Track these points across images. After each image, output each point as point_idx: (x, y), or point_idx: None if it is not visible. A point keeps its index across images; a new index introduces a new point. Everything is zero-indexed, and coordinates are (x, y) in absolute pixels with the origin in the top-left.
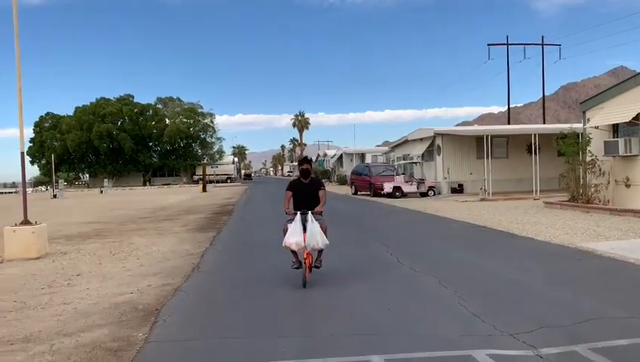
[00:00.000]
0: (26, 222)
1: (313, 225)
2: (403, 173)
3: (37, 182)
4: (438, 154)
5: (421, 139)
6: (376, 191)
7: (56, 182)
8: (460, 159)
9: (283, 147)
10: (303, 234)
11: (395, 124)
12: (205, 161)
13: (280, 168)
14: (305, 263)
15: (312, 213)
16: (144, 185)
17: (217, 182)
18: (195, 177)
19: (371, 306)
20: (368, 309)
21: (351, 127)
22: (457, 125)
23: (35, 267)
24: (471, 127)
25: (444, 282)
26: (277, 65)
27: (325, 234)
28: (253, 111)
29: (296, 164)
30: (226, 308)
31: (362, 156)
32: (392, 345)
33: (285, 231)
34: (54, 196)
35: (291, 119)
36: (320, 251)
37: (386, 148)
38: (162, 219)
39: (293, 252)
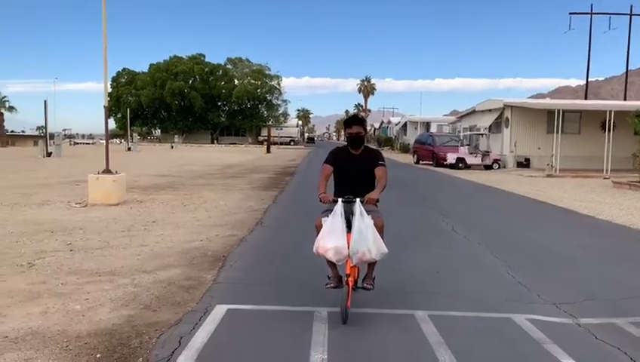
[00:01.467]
0: (107, 171)
1: (363, 221)
2: (468, 145)
3: (112, 135)
4: (506, 127)
5: (489, 110)
6: (439, 162)
7: (131, 135)
8: (528, 133)
9: (347, 112)
10: (346, 236)
11: (464, 93)
12: (270, 123)
13: (343, 133)
14: (347, 282)
15: (363, 203)
16: (212, 143)
17: (281, 144)
18: (260, 138)
19: (421, 269)
20: (418, 271)
21: (418, 94)
22: (531, 97)
23: (115, 212)
24: (543, 100)
25: (495, 252)
26: (348, 28)
27: (382, 234)
28: (321, 74)
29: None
30: (285, 258)
31: (427, 125)
32: (436, 303)
33: (319, 228)
34: (129, 149)
35: (357, 84)
36: (372, 264)
37: (452, 118)
38: (229, 176)
39: (331, 263)
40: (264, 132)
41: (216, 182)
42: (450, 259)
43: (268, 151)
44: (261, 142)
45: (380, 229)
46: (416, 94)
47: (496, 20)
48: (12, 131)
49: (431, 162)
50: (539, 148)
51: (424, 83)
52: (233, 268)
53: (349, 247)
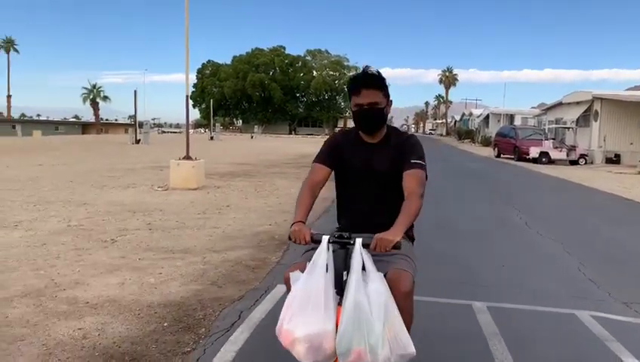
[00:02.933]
0: (187, 157)
1: (366, 287)
2: (553, 138)
3: (197, 125)
4: (595, 120)
5: (577, 103)
6: (521, 156)
7: (214, 125)
8: (619, 127)
9: (427, 103)
10: (334, 314)
11: (554, 85)
12: (347, 114)
13: (422, 125)
14: None
15: (370, 247)
16: (290, 133)
17: None
18: (337, 129)
19: (486, 261)
20: (482, 263)
21: (502, 85)
22: (628, 90)
23: (193, 196)
24: (637, 92)
25: (568, 248)
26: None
27: (408, 306)
28: (401, 65)
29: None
30: None
31: (511, 117)
32: (497, 295)
33: (288, 283)
34: (211, 138)
35: (438, 75)
36: None
37: (537, 111)
38: (302, 165)
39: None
40: (341, 123)
41: (289, 170)
42: (519, 254)
43: None
44: None
45: (405, 297)
46: (500, 85)
47: (591, 8)
48: (106, 119)
49: (512, 156)
50: (631, 144)
51: (510, 74)
52: (297, 252)
53: (336, 338)
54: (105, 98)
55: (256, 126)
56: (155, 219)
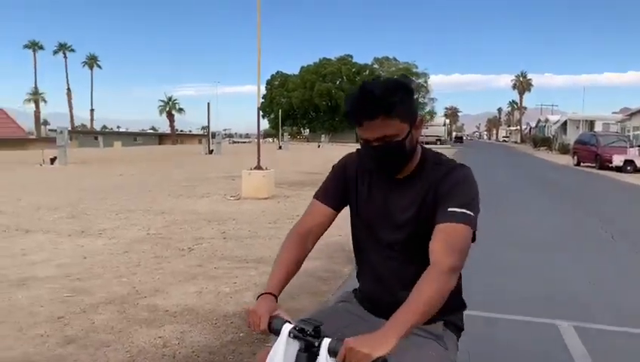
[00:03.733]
0: (258, 167)
1: None
2: (639, 146)
3: (265, 135)
4: None
5: None
6: (603, 164)
7: (282, 135)
8: None
9: (500, 110)
10: None
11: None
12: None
13: (495, 132)
14: None
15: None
16: (356, 142)
17: (427, 143)
18: None
19: (571, 278)
20: (567, 280)
21: (580, 90)
22: None
23: (264, 205)
24: None
25: None
26: (499, 21)
27: None
28: (471, 70)
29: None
30: None
31: (591, 123)
32: (584, 315)
33: None
34: (279, 147)
35: (512, 80)
36: None
37: (620, 116)
38: None
39: None
40: None
41: None
42: (607, 270)
43: None
44: None
45: None
46: (578, 90)
47: None
48: (181, 131)
49: (593, 164)
50: None
51: (589, 77)
52: None
53: None
54: (180, 110)
55: (323, 135)
56: (228, 228)
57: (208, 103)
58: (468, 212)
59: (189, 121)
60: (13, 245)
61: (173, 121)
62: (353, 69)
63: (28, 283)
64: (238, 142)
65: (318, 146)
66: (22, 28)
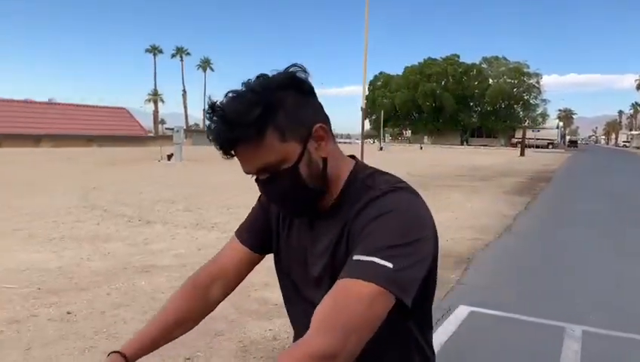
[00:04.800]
0: None
1: None
2: None
3: (366, 135)
4: None
5: None
6: None
7: (383, 136)
8: None
9: (621, 112)
10: None
11: None
12: (526, 124)
13: (614, 137)
14: None
15: None
16: (461, 144)
17: (537, 146)
18: (514, 140)
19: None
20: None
21: None
22: None
23: None
24: None
25: None
26: (621, 14)
27: None
28: (589, 70)
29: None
30: (534, 269)
31: None
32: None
33: None
34: (380, 149)
35: (636, 80)
36: None
37: None
38: (477, 178)
39: None
40: (518, 134)
41: (463, 183)
42: None
43: (522, 154)
44: (514, 145)
45: None
46: None
47: None
48: None
49: None
50: None
51: None
52: (478, 272)
53: None
54: None
55: (425, 136)
56: None
57: None
58: (381, 262)
59: None
60: (137, 235)
61: None
62: (460, 69)
63: (150, 270)
64: (339, 142)
65: (420, 148)
66: (142, 32)
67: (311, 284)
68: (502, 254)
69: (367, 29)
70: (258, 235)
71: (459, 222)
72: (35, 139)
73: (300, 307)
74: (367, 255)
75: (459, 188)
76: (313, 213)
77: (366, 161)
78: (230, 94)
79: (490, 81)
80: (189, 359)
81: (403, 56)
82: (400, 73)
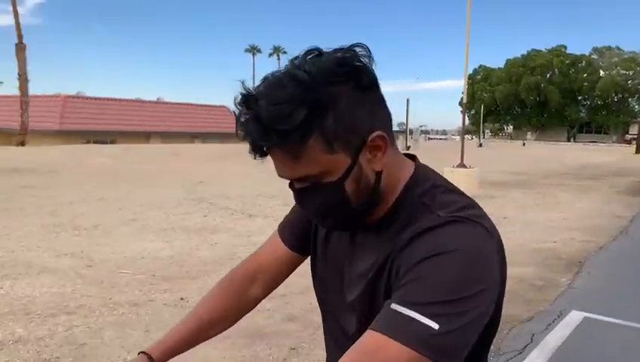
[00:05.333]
0: (461, 165)
1: None
2: None
3: (465, 131)
4: None
5: None
6: None
7: (483, 132)
8: None
9: None
10: None
11: None
12: None
13: None
14: None
15: None
16: (568, 140)
17: None
18: (628, 136)
19: None
20: None
21: None
22: None
23: None
24: None
25: None
26: None
27: None
28: None
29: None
30: None
31: None
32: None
33: None
34: (480, 145)
35: None
36: None
37: None
38: (586, 177)
39: None
40: (633, 129)
41: (571, 182)
42: None
43: (637, 151)
44: (628, 141)
45: None
46: None
47: None
48: None
49: None
50: None
51: None
52: (591, 276)
53: None
54: None
55: (528, 132)
56: None
57: (407, 99)
58: (422, 320)
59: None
60: (241, 227)
61: None
62: (567, 61)
63: None
64: (434, 138)
65: (523, 144)
66: (241, 33)
67: (344, 306)
68: (618, 257)
69: (469, 18)
70: (299, 235)
71: (568, 223)
72: (146, 136)
73: (330, 324)
74: (409, 307)
75: (567, 187)
76: (352, 229)
77: (467, 159)
78: (269, 81)
79: (602, 72)
80: (293, 349)
81: (504, 48)
82: (501, 66)
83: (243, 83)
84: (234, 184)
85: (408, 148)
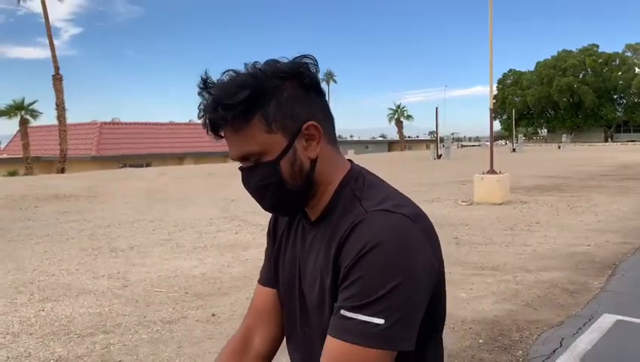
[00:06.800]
0: (491, 171)
1: None
2: None
3: (497, 137)
4: None
5: None
6: None
7: (515, 136)
8: None
9: None
10: None
11: None
12: None
13: None
14: None
15: None
16: (605, 141)
17: None
18: None
19: None
20: None
21: None
22: None
23: (498, 211)
24: None
25: None
26: None
27: None
28: None
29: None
30: None
31: None
32: None
33: None
34: (513, 150)
35: None
36: None
37: None
38: (625, 178)
39: None
40: None
41: (608, 184)
42: None
43: None
44: None
45: None
46: None
47: None
48: (409, 137)
49: None
50: None
51: None
52: (625, 278)
53: None
54: (408, 117)
55: (564, 135)
56: (461, 234)
57: (436, 108)
58: (370, 319)
59: (417, 126)
60: None
61: (402, 128)
62: (599, 60)
63: None
64: (467, 145)
65: (559, 147)
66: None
67: (302, 303)
68: None
69: (491, 22)
70: (270, 270)
71: (602, 225)
72: (180, 157)
73: (287, 325)
74: (355, 311)
75: (604, 189)
76: (295, 213)
77: (499, 164)
78: (229, 73)
79: (637, 69)
80: None
81: (533, 51)
82: (531, 69)
83: (205, 72)
84: None
85: (439, 156)
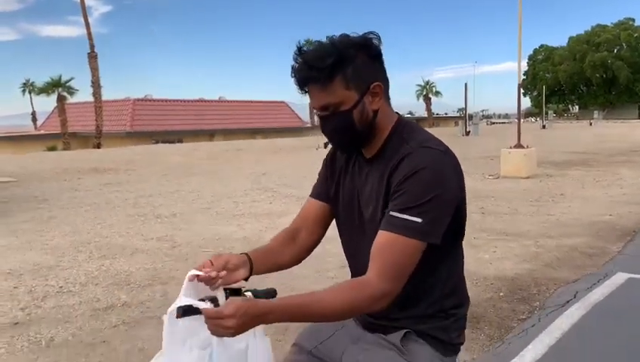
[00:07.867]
0: (519, 145)
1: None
2: None
3: (527, 113)
4: None
5: None
6: None
7: (546, 113)
8: None
9: None
10: None
11: None
12: None
13: None
14: None
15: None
16: (639, 117)
17: None
18: None
19: None
20: None
21: None
22: None
23: (524, 184)
24: None
25: None
26: None
27: None
28: None
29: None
30: None
31: None
32: None
33: None
34: (543, 127)
35: None
36: None
37: None
38: None
39: None
40: None
41: (637, 159)
42: None
43: None
44: None
45: None
46: None
47: None
48: (437, 114)
49: None
50: None
51: None
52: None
53: None
54: (437, 93)
55: (596, 111)
56: (487, 205)
57: (465, 84)
58: (411, 218)
59: (445, 103)
60: None
61: (430, 105)
62: (635, 34)
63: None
64: (497, 122)
65: (590, 124)
66: (300, 31)
67: (361, 222)
68: None
69: (520, 4)
70: (323, 187)
71: (627, 197)
72: (210, 134)
73: (348, 245)
74: (402, 212)
75: (633, 164)
76: (358, 151)
77: (529, 140)
78: (316, 43)
79: None
80: None
81: (566, 27)
82: (563, 44)
83: (299, 41)
84: (294, 174)
85: (468, 133)
